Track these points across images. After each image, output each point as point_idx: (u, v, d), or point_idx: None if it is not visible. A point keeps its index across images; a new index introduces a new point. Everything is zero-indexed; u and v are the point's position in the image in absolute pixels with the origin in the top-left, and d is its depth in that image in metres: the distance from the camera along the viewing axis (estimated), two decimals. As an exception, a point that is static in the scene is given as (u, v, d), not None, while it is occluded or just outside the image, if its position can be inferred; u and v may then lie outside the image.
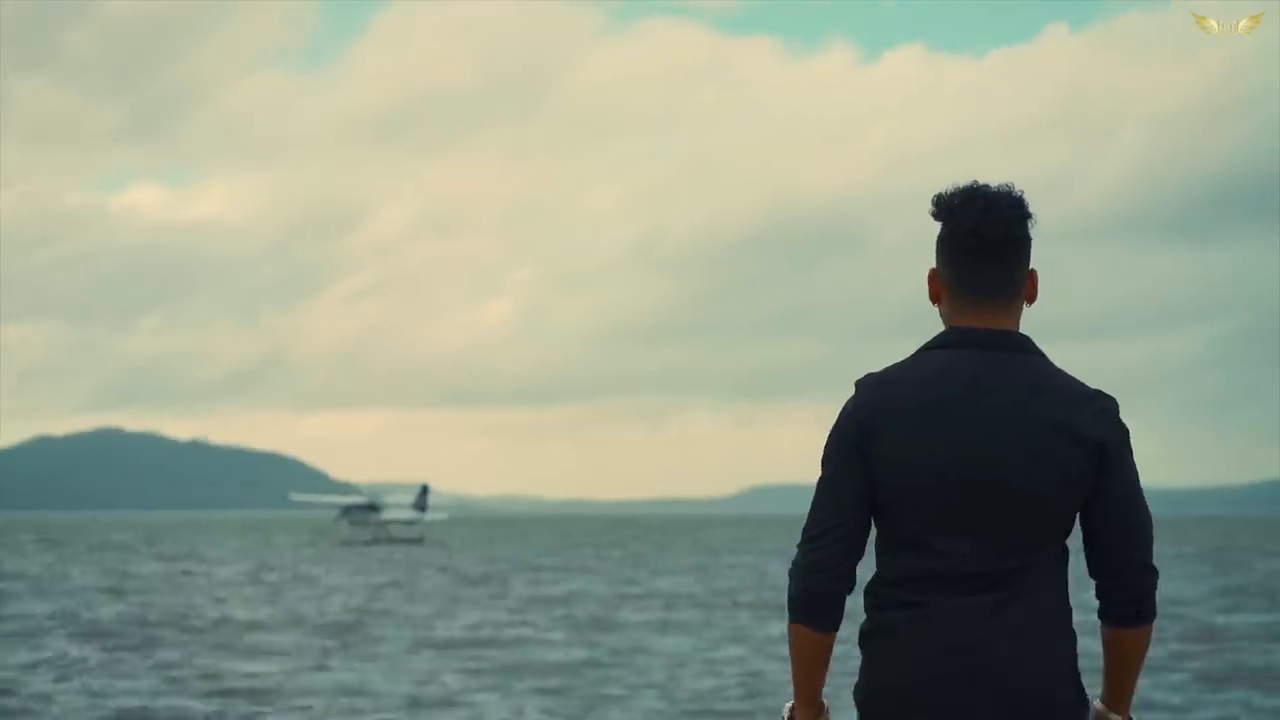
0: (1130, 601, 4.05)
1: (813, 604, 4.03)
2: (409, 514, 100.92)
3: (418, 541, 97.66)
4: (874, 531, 4.08)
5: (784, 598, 4.09)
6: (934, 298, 4.15)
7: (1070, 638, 4.05)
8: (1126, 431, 4.03)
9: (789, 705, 4.21)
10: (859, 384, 4.06)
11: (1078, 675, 4.05)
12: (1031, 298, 4.12)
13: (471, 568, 63.63)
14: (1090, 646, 4.01)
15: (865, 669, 4.07)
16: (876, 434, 3.99)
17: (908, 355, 4.10)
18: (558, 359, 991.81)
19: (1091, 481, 3.98)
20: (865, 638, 4.07)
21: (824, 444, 4.08)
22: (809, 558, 4.02)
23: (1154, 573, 4.06)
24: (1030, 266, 4.11)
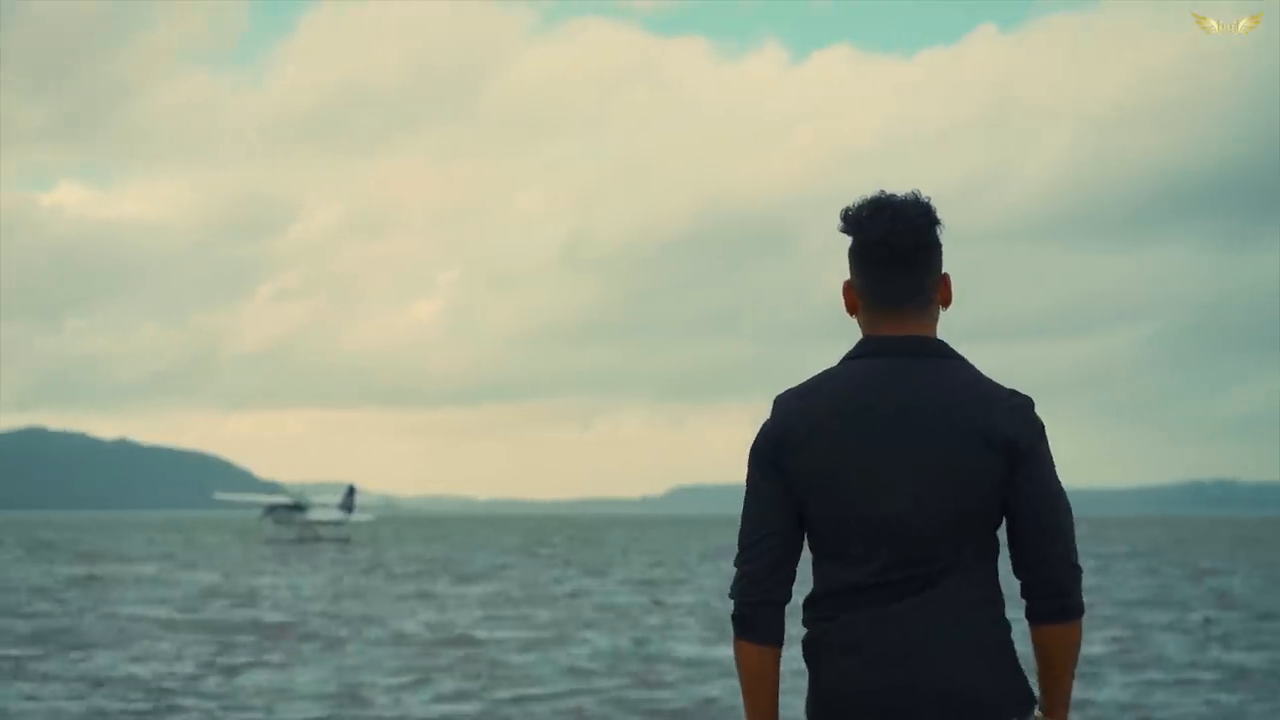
0: (1051, 597, 4.01)
1: (746, 617, 4.07)
2: (335, 514, 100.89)
3: (344, 542, 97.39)
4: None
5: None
6: (850, 309, 4.21)
7: (999, 636, 4.04)
8: (1040, 427, 4.04)
9: None
10: (776, 401, 4.11)
11: (1015, 673, 4.03)
12: (946, 302, 4.18)
13: (395, 567, 63.42)
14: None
15: (809, 682, 4.10)
16: (791, 449, 4.04)
17: (831, 365, 4.13)
18: (487, 359, 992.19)
19: (1006, 481, 3.99)
20: (805, 650, 4.11)
21: (747, 461, 4.14)
22: (739, 570, 4.09)
23: (1075, 569, 4.04)
24: (943, 271, 4.17)
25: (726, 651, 26.86)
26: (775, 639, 4.08)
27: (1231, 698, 21.58)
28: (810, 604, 4.09)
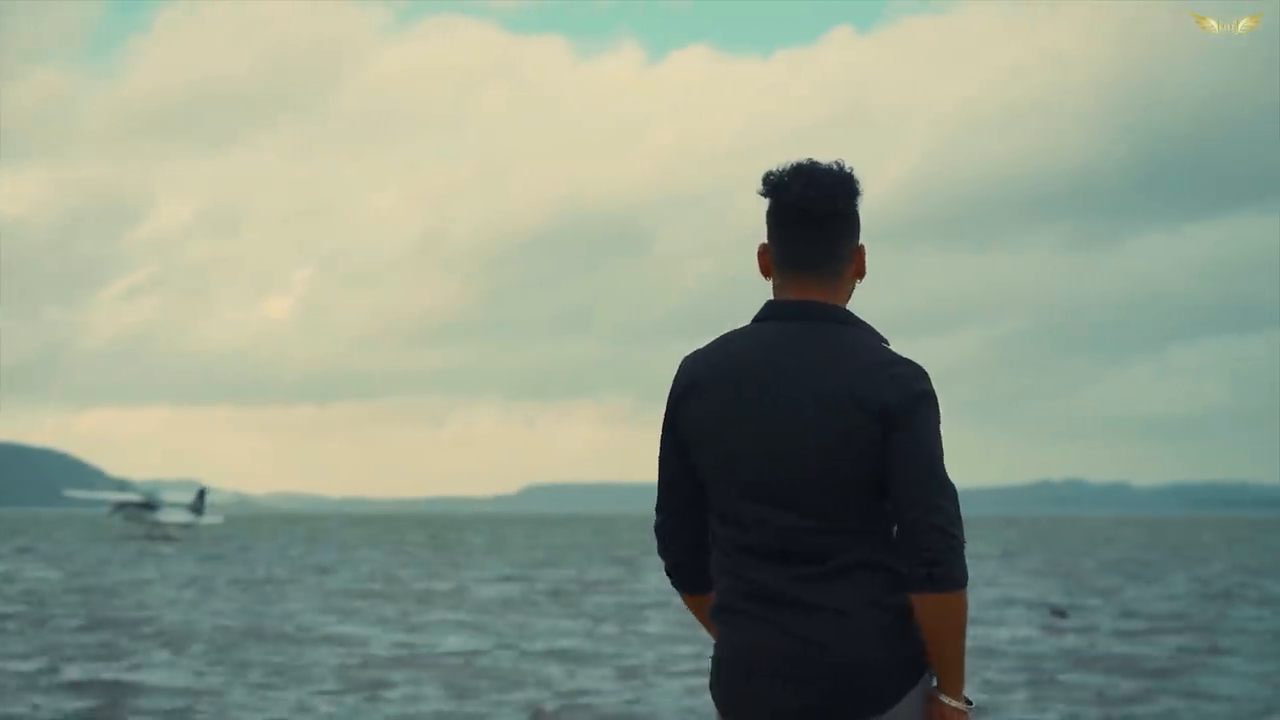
0: (920, 564, 3.92)
1: (671, 574, 4.34)
2: (184, 516, 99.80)
3: (194, 541, 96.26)
4: None
5: None
6: (764, 272, 4.23)
7: (890, 605, 3.99)
8: (922, 393, 3.99)
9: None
10: (682, 361, 4.22)
11: (906, 643, 3.99)
12: (860, 273, 4.21)
13: (240, 570, 62.77)
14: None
15: (717, 640, 4.23)
16: (684, 409, 4.15)
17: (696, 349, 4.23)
18: (340, 357, 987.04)
19: (881, 448, 3.96)
20: (712, 611, 4.24)
21: None
22: (656, 531, 4.32)
23: (948, 536, 3.92)
24: (859, 242, 4.20)
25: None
26: (702, 588, 4.31)
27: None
28: (713, 563, 4.21)
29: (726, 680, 4.12)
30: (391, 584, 46.92)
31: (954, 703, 4.04)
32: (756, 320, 4.16)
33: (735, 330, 4.18)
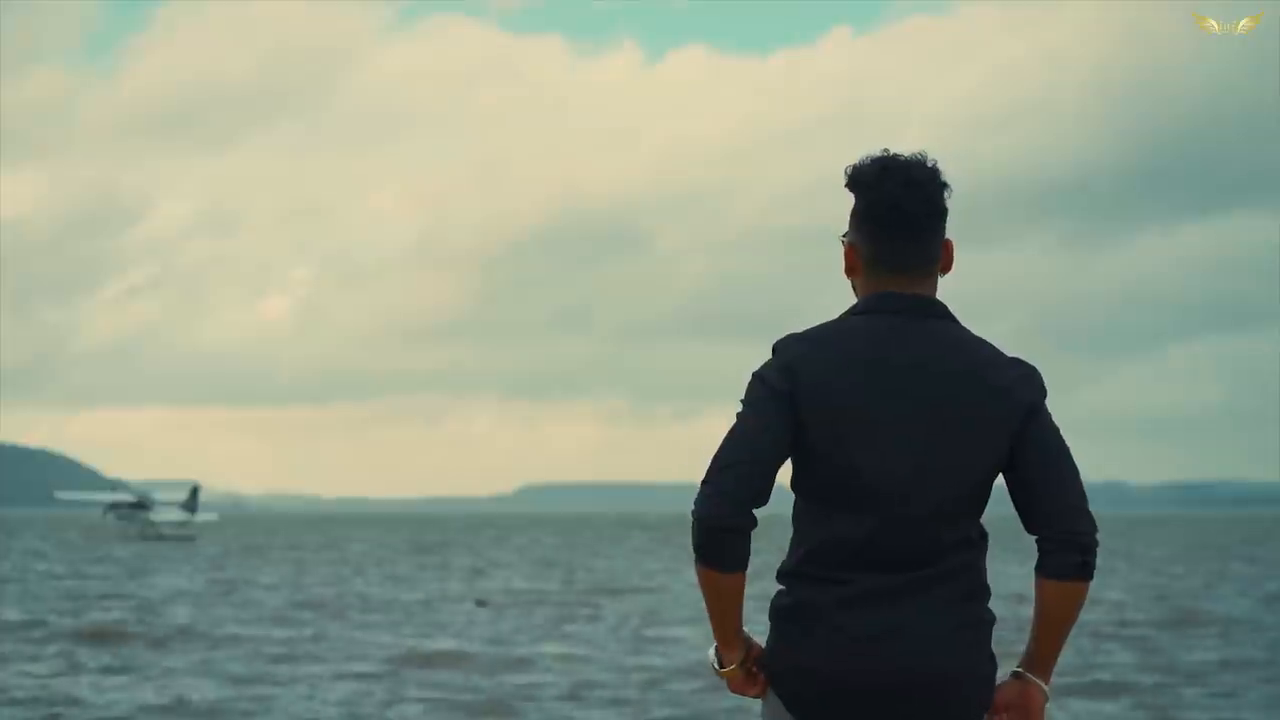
0: (1074, 550, 3.92)
1: (713, 542, 3.88)
2: (178, 514, 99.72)
3: (189, 540, 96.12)
4: (792, 501, 4.03)
5: None
6: (850, 270, 4.11)
7: (988, 619, 3.99)
8: (1045, 392, 4.03)
9: (713, 649, 4.07)
10: (778, 345, 3.98)
11: (992, 660, 3.99)
12: (947, 267, 4.12)
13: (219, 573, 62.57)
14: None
15: (778, 645, 3.97)
16: (806, 387, 3.90)
17: (830, 319, 4.05)
18: (337, 357, 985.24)
19: (1015, 442, 3.94)
20: (780, 613, 3.97)
21: (746, 390, 3.96)
22: (712, 488, 3.87)
23: (1094, 523, 3.95)
24: (945, 236, 4.11)
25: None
26: (742, 566, 3.93)
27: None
28: (795, 563, 3.97)
29: (809, 690, 3.91)
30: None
31: (1047, 687, 4.04)
32: (861, 312, 4.02)
33: (839, 320, 4.03)
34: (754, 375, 3.98)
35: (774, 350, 4.00)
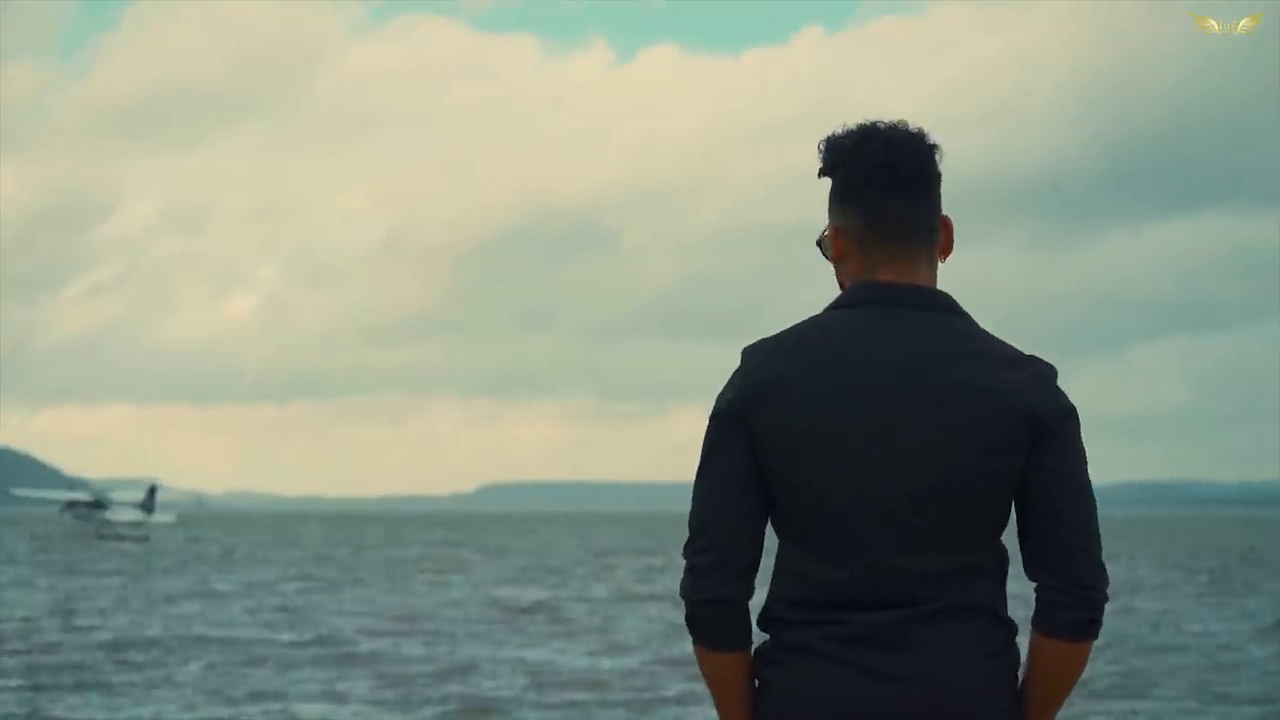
0: (1083, 607, 3.40)
1: (701, 620, 3.47)
2: (134, 514, 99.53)
3: (143, 540, 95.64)
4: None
5: None
6: (838, 255, 3.56)
7: (1006, 655, 3.44)
8: (1069, 404, 3.44)
9: None
10: (746, 352, 3.48)
11: (1013, 697, 3.45)
12: (947, 248, 3.59)
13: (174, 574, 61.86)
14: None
15: (768, 693, 3.46)
16: (764, 406, 3.40)
17: (813, 316, 3.52)
18: (302, 356, 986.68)
19: (1026, 460, 3.39)
20: (766, 659, 3.47)
21: (705, 429, 3.51)
22: (689, 561, 3.47)
23: (1106, 578, 3.43)
24: (943, 212, 3.58)
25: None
26: (739, 644, 3.48)
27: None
28: (777, 605, 3.45)
29: None
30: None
31: None
32: (845, 306, 3.48)
33: (820, 316, 3.48)
34: (713, 409, 3.49)
35: (741, 358, 3.51)
